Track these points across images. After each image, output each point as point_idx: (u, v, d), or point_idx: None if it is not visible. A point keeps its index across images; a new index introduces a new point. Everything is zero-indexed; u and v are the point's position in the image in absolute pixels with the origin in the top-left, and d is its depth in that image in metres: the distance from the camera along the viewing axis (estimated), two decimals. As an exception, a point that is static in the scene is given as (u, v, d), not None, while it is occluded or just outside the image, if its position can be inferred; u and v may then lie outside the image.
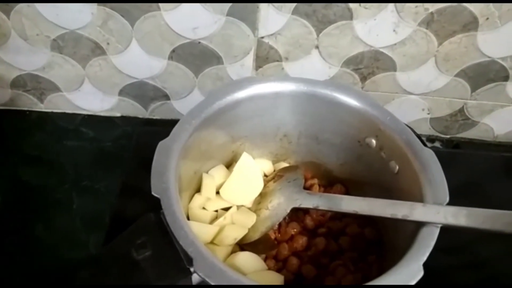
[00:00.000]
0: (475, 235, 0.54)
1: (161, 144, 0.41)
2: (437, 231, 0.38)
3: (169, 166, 0.40)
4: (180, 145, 0.42)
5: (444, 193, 0.41)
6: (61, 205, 0.64)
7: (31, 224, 0.61)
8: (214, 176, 0.51)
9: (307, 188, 0.53)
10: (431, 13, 0.60)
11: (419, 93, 0.70)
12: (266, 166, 0.56)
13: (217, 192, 0.51)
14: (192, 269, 0.35)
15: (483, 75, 0.67)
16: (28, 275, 0.56)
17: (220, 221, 0.48)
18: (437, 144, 0.77)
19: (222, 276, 0.34)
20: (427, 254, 0.37)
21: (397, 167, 0.46)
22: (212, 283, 0.34)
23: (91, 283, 0.36)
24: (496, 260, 0.59)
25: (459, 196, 0.42)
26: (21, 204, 0.64)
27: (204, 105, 0.45)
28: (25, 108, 0.75)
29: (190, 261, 0.35)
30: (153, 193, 0.37)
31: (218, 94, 0.46)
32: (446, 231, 0.39)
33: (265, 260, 0.48)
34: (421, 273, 0.36)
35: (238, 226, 0.48)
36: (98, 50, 0.66)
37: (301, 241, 0.49)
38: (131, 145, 0.70)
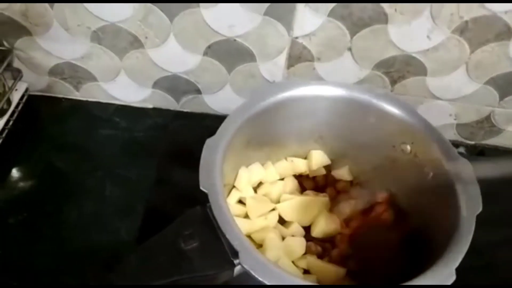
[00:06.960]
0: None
1: (208, 142, 0.43)
2: (470, 237, 0.40)
3: (216, 162, 0.41)
4: (225, 143, 0.43)
5: (478, 203, 0.42)
6: (94, 191, 0.65)
7: (65, 208, 0.63)
8: (251, 172, 0.53)
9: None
10: (466, 21, 0.60)
11: (448, 98, 0.71)
12: (302, 165, 0.57)
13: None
14: (236, 262, 0.37)
15: (513, 84, 0.68)
16: (60, 257, 0.58)
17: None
18: (461, 149, 0.78)
19: (265, 269, 0.36)
20: (460, 259, 0.38)
21: (431, 173, 0.47)
22: (256, 276, 0.36)
23: (139, 268, 0.38)
24: (494, 248, 0.60)
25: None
26: (55, 189, 0.65)
27: (248, 105, 0.46)
28: (61, 96, 0.76)
29: (235, 253, 0.37)
30: (201, 188, 0.39)
31: (262, 95, 0.48)
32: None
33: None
34: (453, 278, 0.37)
35: None
36: (136, 43, 0.67)
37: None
38: (162, 135, 0.72)
